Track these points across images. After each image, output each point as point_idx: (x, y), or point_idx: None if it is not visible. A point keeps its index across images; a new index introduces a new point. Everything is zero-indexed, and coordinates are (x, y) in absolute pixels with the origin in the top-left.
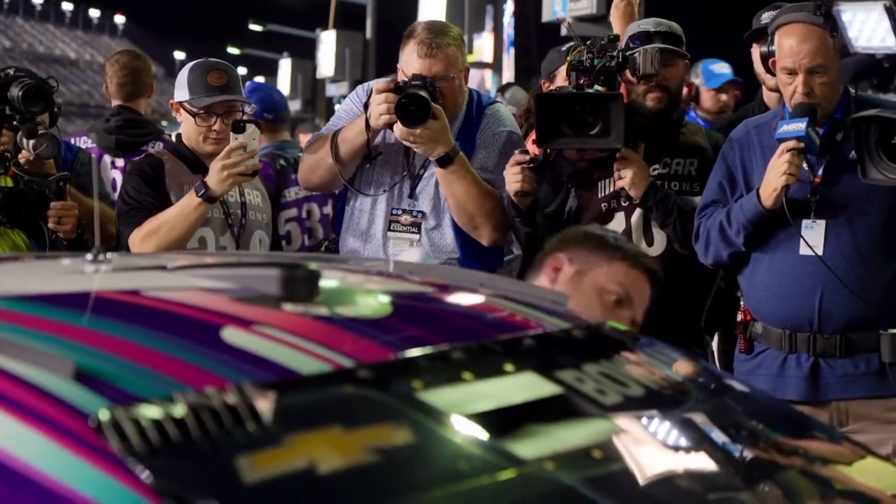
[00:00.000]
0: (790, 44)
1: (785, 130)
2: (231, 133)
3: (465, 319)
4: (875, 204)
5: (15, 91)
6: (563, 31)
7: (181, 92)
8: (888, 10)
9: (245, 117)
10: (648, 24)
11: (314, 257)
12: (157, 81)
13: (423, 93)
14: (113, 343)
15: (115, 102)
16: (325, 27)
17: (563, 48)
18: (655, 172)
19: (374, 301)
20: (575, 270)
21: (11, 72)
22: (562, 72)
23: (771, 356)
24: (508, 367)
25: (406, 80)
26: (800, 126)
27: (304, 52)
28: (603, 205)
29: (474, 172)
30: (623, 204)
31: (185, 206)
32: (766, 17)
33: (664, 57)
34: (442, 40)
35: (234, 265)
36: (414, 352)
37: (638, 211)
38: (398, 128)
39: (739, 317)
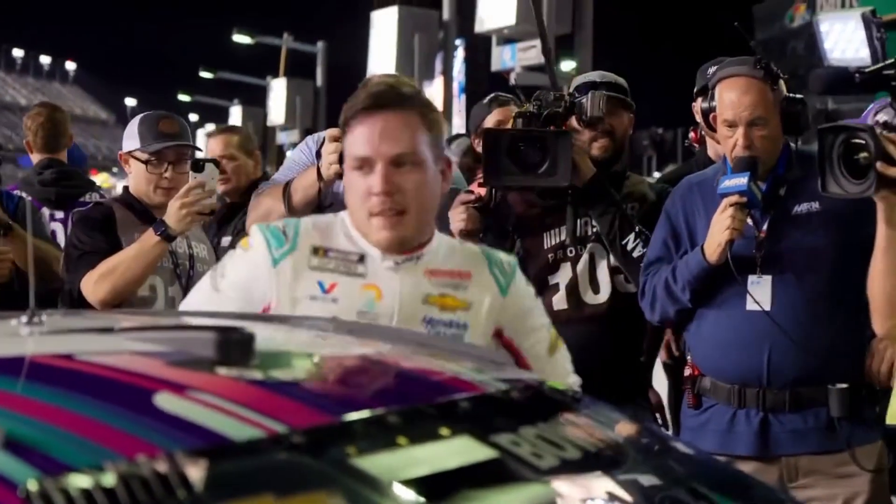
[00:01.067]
0: (731, 97)
1: (727, 186)
2: (190, 171)
3: (401, 382)
4: (821, 258)
5: None
6: (512, 81)
7: (131, 142)
8: (865, 19)
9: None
10: (594, 75)
11: (253, 317)
12: (108, 128)
13: None
14: (44, 410)
15: (41, 155)
16: (276, 75)
17: (486, 101)
18: None
19: (309, 364)
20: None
21: None
22: (488, 123)
23: (720, 412)
24: (445, 431)
25: None
26: (741, 181)
27: (255, 100)
28: (549, 255)
29: None
30: (569, 254)
31: (143, 245)
32: (710, 71)
33: (610, 105)
34: None
35: (170, 328)
36: (349, 416)
37: (583, 260)
38: None
39: (687, 371)
